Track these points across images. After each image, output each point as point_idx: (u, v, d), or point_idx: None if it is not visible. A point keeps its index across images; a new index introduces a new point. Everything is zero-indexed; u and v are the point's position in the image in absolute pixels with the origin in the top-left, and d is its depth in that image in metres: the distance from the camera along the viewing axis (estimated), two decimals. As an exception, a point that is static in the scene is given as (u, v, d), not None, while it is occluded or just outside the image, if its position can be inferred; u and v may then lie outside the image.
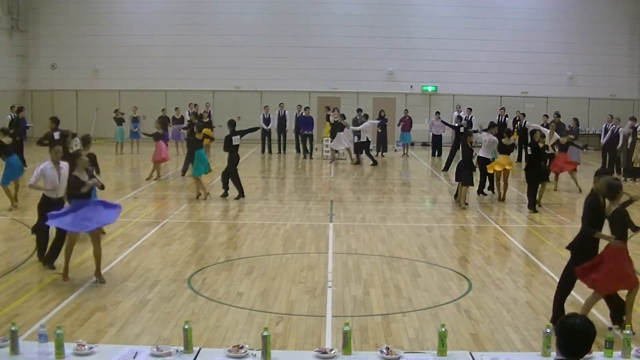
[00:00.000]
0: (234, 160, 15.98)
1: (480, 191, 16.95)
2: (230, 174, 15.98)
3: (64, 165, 9.77)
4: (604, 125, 22.18)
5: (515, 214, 15.05)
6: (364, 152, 23.85)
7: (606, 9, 30.23)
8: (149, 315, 8.00)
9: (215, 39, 29.98)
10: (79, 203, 9.12)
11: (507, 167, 16.26)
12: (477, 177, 16.52)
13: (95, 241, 9.34)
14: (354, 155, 23.97)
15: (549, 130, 18.52)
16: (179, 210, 14.59)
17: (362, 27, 30.02)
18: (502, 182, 16.41)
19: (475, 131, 19.18)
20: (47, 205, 9.69)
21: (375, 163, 23.38)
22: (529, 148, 15.86)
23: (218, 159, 21.69)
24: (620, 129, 21.44)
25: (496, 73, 29.72)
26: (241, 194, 16.01)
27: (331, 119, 25.98)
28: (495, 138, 16.74)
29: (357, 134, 24.15)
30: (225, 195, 15.99)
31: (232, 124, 16.15)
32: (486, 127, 19.48)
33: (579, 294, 8.91)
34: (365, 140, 23.78)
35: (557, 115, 23.56)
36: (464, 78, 29.83)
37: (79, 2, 30.58)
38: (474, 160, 16.20)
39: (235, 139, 15.86)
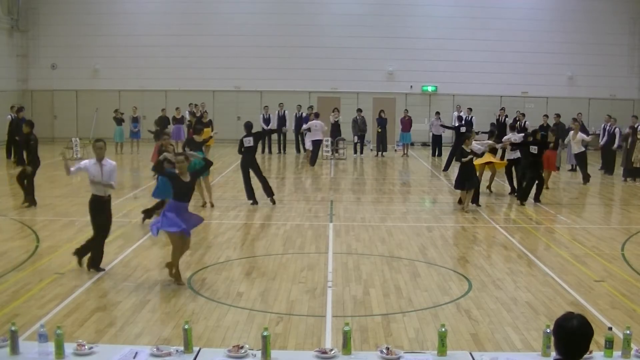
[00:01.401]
0: (244, 163, 15.16)
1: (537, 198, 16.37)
2: (243, 177, 15.30)
3: (108, 162, 9.71)
4: (603, 125, 22.19)
5: (515, 214, 15.05)
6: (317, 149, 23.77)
7: (606, 9, 30.22)
8: (149, 315, 8.00)
9: (215, 39, 29.98)
10: (179, 206, 9.05)
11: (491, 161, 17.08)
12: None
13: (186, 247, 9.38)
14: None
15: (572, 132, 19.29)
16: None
17: (362, 27, 30.02)
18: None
19: (477, 133, 19.17)
20: (98, 204, 9.71)
21: (312, 164, 23.18)
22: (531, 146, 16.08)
23: (217, 160, 21.69)
24: (616, 128, 21.44)
25: (496, 73, 29.71)
26: (253, 199, 15.29)
27: (331, 119, 26.02)
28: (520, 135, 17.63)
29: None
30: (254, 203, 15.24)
31: (248, 126, 15.42)
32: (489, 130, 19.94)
33: (579, 294, 8.92)
34: (317, 139, 23.59)
35: (558, 115, 23.61)
36: (464, 78, 29.83)
37: (79, 2, 30.57)
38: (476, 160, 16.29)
39: (247, 141, 15.04)
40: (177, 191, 9.16)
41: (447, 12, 30.19)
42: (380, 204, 16.24)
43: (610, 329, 4.97)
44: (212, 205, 14.91)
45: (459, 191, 15.64)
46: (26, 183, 14.66)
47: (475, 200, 15.38)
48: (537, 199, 16.07)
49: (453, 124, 25.90)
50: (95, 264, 9.77)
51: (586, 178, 19.18)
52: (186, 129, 25.27)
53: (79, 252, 9.89)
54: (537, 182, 16.10)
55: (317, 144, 23.69)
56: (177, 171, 9.31)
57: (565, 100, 29.42)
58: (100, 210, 9.76)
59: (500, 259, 11.02)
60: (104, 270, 9.75)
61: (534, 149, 15.89)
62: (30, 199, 14.63)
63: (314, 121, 23.95)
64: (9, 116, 22.78)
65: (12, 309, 8.03)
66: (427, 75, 30.36)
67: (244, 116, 27.60)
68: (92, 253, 9.82)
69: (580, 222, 14.34)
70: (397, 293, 8.93)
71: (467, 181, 15.08)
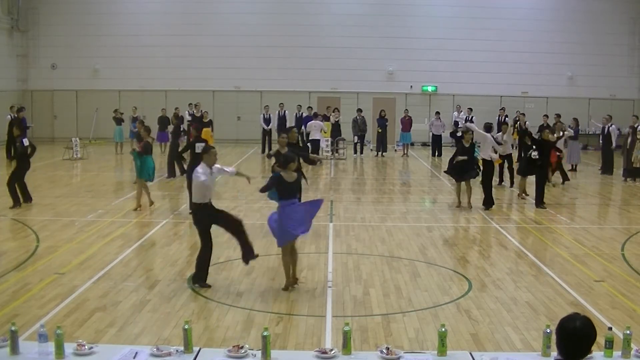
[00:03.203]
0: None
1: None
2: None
3: (215, 168, 9.32)
4: (602, 125, 22.18)
5: (515, 214, 15.04)
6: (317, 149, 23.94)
7: (606, 9, 30.23)
8: (149, 315, 7.99)
9: (215, 39, 29.99)
10: (287, 204, 8.84)
11: None
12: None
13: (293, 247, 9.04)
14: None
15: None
16: (178, 210, 14.58)
17: (362, 27, 30.03)
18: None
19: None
20: (205, 212, 9.12)
21: (320, 163, 23.21)
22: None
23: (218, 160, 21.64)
24: (612, 127, 21.41)
25: (496, 73, 29.73)
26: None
27: (332, 119, 26.01)
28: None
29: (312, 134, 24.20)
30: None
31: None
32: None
33: (579, 294, 8.92)
34: (315, 138, 23.83)
35: (558, 115, 23.59)
36: (464, 78, 29.84)
37: (79, 2, 30.58)
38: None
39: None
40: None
41: (447, 12, 30.21)
42: (380, 204, 16.24)
43: (610, 329, 4.97)
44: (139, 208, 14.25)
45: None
46: (17, 185, 14.62)
47: (488, 204, 15.23)
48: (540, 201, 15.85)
49: (453, 124, 25.88)
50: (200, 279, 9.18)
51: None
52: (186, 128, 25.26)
53: (199, 278, 9.19)
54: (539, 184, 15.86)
55: (315, 143, 23.76)
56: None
57: (565, 100, 29.44)
58: (210, 216, 9.18)
59: (500, 259, 11.02)
60: (209, 286, 9.09)
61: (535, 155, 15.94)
62: (14, 199, 14.52)
63: (313, 121, 24.01)
64: (9, 116, 22.79)
65: (12, 309, 8.03)
66: (427, 75, 30.37)
67: (244, 116, 27.67)
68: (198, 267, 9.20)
69: (580, 222, 14.34)
70: (397, 293, 8.93)
71: (467, 172, 15.02)
